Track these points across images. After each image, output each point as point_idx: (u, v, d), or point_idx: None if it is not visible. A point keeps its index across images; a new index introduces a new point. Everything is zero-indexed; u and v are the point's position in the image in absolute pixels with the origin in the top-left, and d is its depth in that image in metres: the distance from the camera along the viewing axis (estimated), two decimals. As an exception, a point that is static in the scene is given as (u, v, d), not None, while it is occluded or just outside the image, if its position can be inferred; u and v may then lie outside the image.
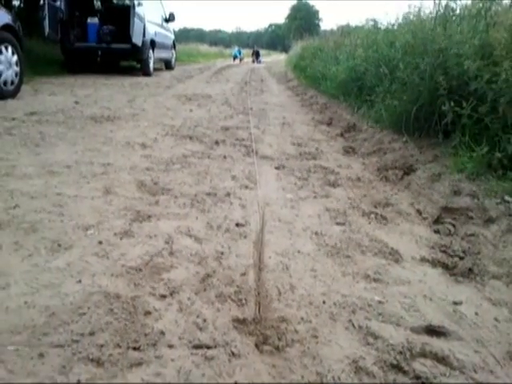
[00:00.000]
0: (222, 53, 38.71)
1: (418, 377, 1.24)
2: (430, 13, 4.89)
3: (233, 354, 1.28)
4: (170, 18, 13.00)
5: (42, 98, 5.79)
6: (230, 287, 1.64)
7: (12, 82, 5.44)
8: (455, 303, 1.65)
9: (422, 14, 5.37)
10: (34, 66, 7.89)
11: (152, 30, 10.63)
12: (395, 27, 6.45)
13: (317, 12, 75.80)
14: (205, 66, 18.83)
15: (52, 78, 8.34)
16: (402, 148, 3.70)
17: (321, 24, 72.16)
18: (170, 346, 1.29)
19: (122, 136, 3.91)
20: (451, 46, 3.68)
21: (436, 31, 4.01)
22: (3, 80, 5.24)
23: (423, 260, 2.00)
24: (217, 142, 3.97)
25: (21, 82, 5.71)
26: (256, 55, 31.12)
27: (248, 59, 31.86)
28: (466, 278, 1.86)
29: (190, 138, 4.08)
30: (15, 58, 5.43)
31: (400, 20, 6.37)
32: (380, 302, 1.61)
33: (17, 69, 5.49)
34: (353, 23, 12.32)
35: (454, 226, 2.36)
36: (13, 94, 5.47)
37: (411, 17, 5.74)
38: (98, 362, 1.20)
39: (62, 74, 9.16)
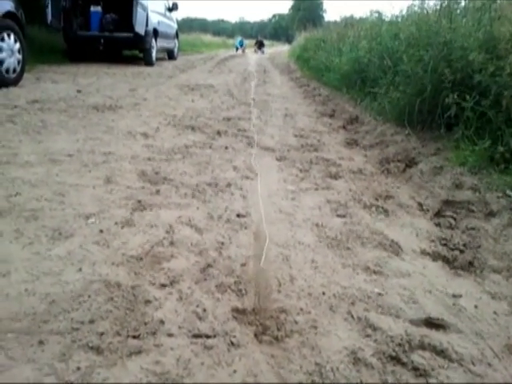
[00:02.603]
0: (226, 43, 38.41)
1: (416, 369, 1.24)
2: (435, 5, 4.86)
3: (232, 343, 1.29)
4: (173, 7, 12.93)
5: (44, 86, 5.77)
6: (230, 277, 1.64)
7: (14, 70, 5.42)
8: (455, 296, 1.65)
9: (426, 5, 5.33)
10: (36, 53, 7.85)
11: (155, 19, 10.56)
12: (399, 19, 6.40)
13: (321, 3, 75.30)
14: (208, 56, 18.72)
15: (54, 66, 8.31)
16: (405, 141, 3.69)
17: (325, 15, 71.66)
18: (170, 335, 1.30)
19: (123, 125, 3.90)
20: (456, 38, 3.65)
21: (440, 24, 3.98)
22: (5, 68, 5.22)
23: (423, 253, 2.00)
24: (219, 133, 3.96)
25: (23, 70, 5.69)
26: (259, 45, 30.82)
27: (251, 49, 31.58)
28: (466, 272, 1.86)
29: (192, 128, 4.07)
30: (17, 45, 5.40)
31: (404, 12, 6.33)
32: (379, 294, 1.61)
33: (19, 56, 5.47)
34: (357, 15, 12.25)
35: (454, 219, 2.36)
36: (15, 82, 5.45)
37: (416, 8, 5.70)
38: (98, 350, 1.21)
39: (65, 63, 9.12)
